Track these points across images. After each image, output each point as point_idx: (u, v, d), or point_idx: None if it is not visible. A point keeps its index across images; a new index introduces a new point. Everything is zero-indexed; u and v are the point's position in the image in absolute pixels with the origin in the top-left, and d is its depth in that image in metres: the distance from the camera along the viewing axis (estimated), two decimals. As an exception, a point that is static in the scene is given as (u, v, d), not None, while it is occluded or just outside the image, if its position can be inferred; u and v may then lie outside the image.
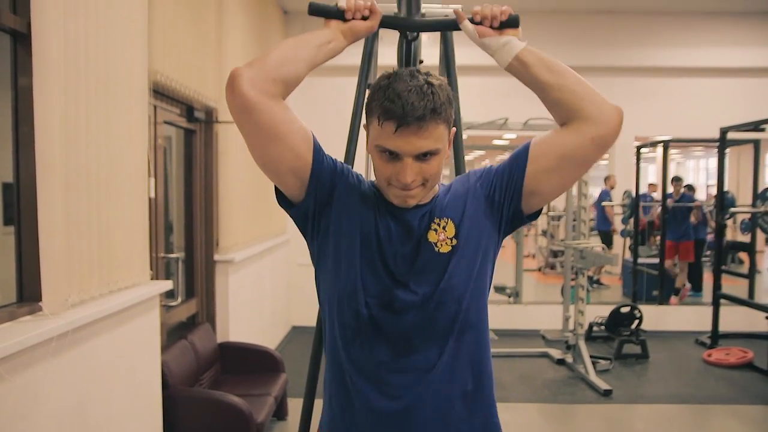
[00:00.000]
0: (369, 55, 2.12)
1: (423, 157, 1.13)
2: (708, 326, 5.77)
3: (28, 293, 2.07)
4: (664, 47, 6.36)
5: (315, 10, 1.25)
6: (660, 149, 6.98)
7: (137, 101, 2.62)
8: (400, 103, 1.09)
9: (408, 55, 2.05)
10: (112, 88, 2.38)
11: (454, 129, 1.22)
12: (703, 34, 6.38)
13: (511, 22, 1.24)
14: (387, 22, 1.35)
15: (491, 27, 1.24)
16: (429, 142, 1.12)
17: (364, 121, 1.24)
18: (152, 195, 2.87)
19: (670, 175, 7.55)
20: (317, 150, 1.21)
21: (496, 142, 11.48)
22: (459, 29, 1.29)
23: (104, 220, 2.32)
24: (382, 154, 1.15)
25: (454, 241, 1.22)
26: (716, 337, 5.67)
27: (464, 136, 2.31)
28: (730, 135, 5.63)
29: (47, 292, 2.00)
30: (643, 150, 7.18)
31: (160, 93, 3.22)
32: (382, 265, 1.21)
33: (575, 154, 1.18)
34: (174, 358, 3.13)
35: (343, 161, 1.32)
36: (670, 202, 7.07)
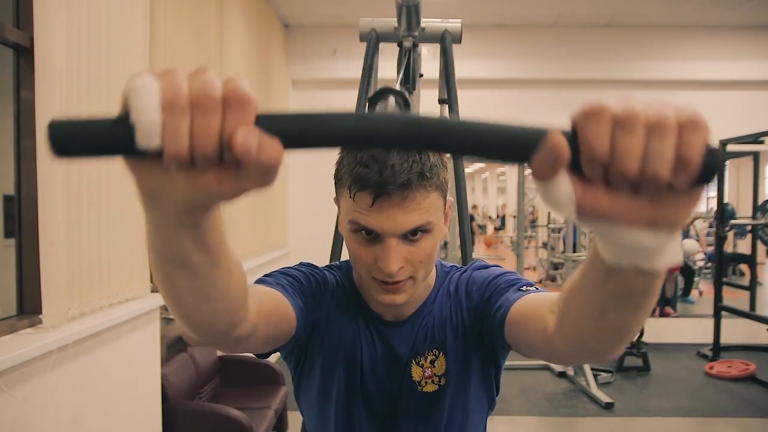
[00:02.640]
0: (369, 69, 2.13)
1: (412, 236, 0.84)
2: (709, 339, 5.75)
3: (29, 306, 2.07)
4: (663, 60, 6.39)
5: (66, 140, 0.40)
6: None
7: (139, 114, 2.62)
8: (377, 167, 0.80)
9: (408, 69, 2.07)
10: (114, 102, 2.38)
11: (451, 200, 0.93)
12: (702, 48, 6.41)
13: (701, 178, 0.40)
14: (306, 140, 0.43)
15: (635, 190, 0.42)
16: (418, 216, 0.82)
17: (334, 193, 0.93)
18: (153, 207, 2.87)
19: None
20: (300, 313, 0.90)
21: (496, 154, 11.52)
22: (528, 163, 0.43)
23: (105, 233, 2.32)
24: (356, 235, 0.86)
25: (443, 381, 0.95)
26: (718, 349, 5.65)
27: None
28: (730, 147, 5.64)
29: (47, 305, 2.00)
30: (642, 162, 7.18)
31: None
32: (365, 409, 0.97)
33: (555, 360, 0.79)
34: (174, 371, 3.12)
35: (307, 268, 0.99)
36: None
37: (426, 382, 0.95)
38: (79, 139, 0.41)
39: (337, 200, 0.91)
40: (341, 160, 0.87)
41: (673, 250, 0.46)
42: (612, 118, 0.39)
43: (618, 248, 0.46)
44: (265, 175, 0.41)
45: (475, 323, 0.95)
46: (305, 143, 0.42)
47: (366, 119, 0.43)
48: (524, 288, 0.89)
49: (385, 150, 0.80)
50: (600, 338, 0.60)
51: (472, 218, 14.54)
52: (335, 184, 0.89)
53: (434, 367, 0.95)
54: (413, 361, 0.96)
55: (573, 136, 0.40)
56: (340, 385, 0.96)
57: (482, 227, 19.69)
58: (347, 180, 0.84)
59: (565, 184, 0.41)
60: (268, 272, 0.95)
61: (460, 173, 2.10)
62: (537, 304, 0.79)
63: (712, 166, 0.40)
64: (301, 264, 1.01)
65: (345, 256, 0.92)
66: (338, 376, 0.96)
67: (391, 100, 1.47)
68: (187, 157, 0.40)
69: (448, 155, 0.88)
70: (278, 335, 0.85)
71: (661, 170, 0.39)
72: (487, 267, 1.01)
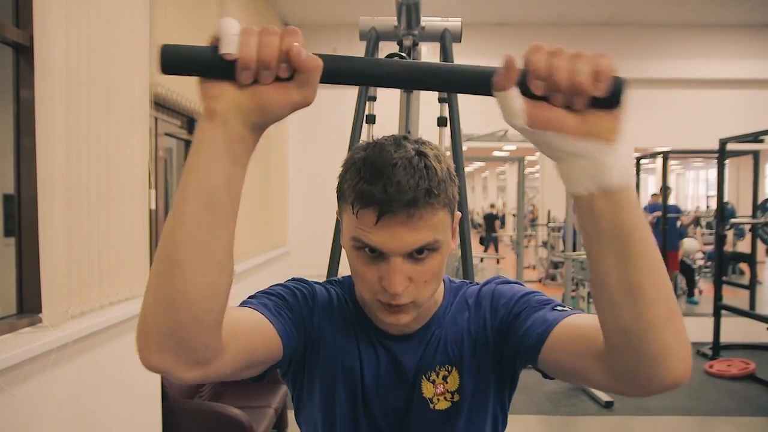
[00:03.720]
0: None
1: (418, 254, 0.80)
2: (709, 337, 5.75)
3: (29, 305, 2.07)
4: (663, 59, 6.39)
5: (171, 60, 0.60)
6: (660, 160, 7.00)
7: (138, 113, 2.63)
8: (381, 183, 0.76)
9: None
10: (114, 101, 2.40)
11: (459, 213, 0.88)
12: (702, 46, 6.41)
13: (613, 98, 0.58)
14: (337, 72, 0.63)
15: (568, 106, 0.60)
16: (424, 234, 0.79)
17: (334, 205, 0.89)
18: (153, 207, 2.87)
19: (672, 186, 7.56)
20: (288, 335, 0.86)
21: (496, 153, 11.53)
22: (490, 94, 0.62)
23: (105, 232, 2.32)
24: (359, 252, 0.82)
25: (456, 397, 0.91)
26: (717, 348, 5.65)
27: (464, 148, 2.32)
28: (730, 146, 5.64)
29: (47, 304, 2.00)
30: (642, 161, 7.19)
31: (161, 105, 3.23)
32: (370, 427, 0.92)
33: (596, 386, 0.75)
34: (174, 370, 3.11)
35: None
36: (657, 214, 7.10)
37: (438, 399, 0.91)
38: (183, 56, 0.59)
39: (339, 214, 0.86)
40: (344, 174, 0.83)
41: (617, 166, 0.60)
42: (548, 51, 0.58)
43: (563, 157, 0.62)
44: (308, 84, 0.60)
45: (498, 339, 0.91)
46: (334, 76, 0.62)
47: (374, 62, 0.65)
48: (559, 308, 0.85)
49: (390, 165, 0.77)
50: (628, 314, 0.62)
51: (495, 216, 14.43)
52: (338, 198, 0.85)
53: (447, 383, 0.91)
54: (423, 377, 0.91)
55: (524, 71, 0.59)
56: (341, 401, 0.91)
57: (482, 226, 19.69)
58: (350, 196, 0.80)
59: (517, 97, 0.60)
60: (252, 294, 0.90)
61: (460, 172, 2.10)
62: (588, 327, 0.75)
63: (619, 86, 0.58)
64: (290, 280, 0.96)
65: (344, 259, 0.90)
66: (339, 392, 0.91)
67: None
68: (254, 65, 0.58)
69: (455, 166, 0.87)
70: (255, 360, 0.81)
71: (583, 80, 0.57)
72: (509, 282, 0.97)
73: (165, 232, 0.62)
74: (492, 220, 14.09)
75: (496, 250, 13.87)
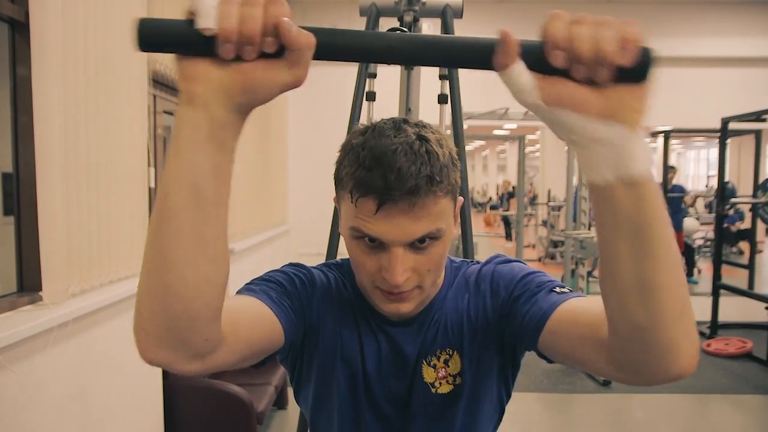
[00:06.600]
0: (369, 45, 2.11)
1: (419, 243, 0.77)
2: (707, 316, 5.78)
3: (29, 283, 2.08)
4: (665, 37, 6.33)
5: (148, 36, 0.52)
6: (661, 139, 6.97)
7: (137, 91, 2.61)
8: (381, 170, 0.72)
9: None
10: (112, 78, 2.37)
11: (461, 199, 0.84)
12: (705, 24, 6.35)
13: (640, 70, 0.52)
14: (333, 48, 0.55)
15: (589, 80, 0.53)
16: (426, 224, 0.76)
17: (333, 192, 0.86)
18: (152, 185, 2.86)
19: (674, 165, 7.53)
20: (290, 325, 0.83)
21: (497, 132, 11.48)
22: (492, 68, 0.56)
23: (104, 210, 2.32)
24: (359, 242, 0.79)
25: (458, 380, 0.89)
26: (715, 327, 5.68)
27: (465, 126, 2.30)
28: (732, 125, 5.60)
29: (47, 282, 2.01)
30: (643, 140, 7.14)
31: (159, 82, 3.21)
32: (372, 412, 0.91)
33: (597, 373, 0.72)
34: (174, 348, 3.13)
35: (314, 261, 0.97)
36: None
37: (440, 383, 0.89)
38: (159, 30, 0.52)
39: (337, 201, 0.83)
40: (342, 160, 0.79)
41: (640, 155, 0.53)
42: (569, 19, 0.52)
43: (582, 142, 0.54)
44: (299, 62, 0.53)
45: (499, 323, 0.88)
46: (329, 51, 0.54)
47: (371, 36, 0.57)
48: (558, 290, 0.81)
49: (390, 151, 0.72)
50: (639, 310, 0.58)
51: (512, 195, 14.14)
52: (335, 184, 0.81)
53: (448, 366, 0.89)
54: (424, 362, 0.89)
55: (537, 43, 0.53)
56: (341, 387, 0.90)
57: (482, 205, 19.69)
58: (348, 183, 0.76)
59: (524, 73, 0.54)
60: (249, 280, 0.88)
61: (460, 150, 2.08)
62: (590, 313, 0.71)
63: (648, 57, 0.51)
64: (287, 265, 0.94)
65: (343, 243, 0.88)
66: (339, 379, 0.90)
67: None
68: (235, 38, 0.50)
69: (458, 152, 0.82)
70: (256, 350, 0.77)
71: (608, 48, 0.50)
72: (509, 261, 0.94)
73: (151, 227, 0.57)
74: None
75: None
